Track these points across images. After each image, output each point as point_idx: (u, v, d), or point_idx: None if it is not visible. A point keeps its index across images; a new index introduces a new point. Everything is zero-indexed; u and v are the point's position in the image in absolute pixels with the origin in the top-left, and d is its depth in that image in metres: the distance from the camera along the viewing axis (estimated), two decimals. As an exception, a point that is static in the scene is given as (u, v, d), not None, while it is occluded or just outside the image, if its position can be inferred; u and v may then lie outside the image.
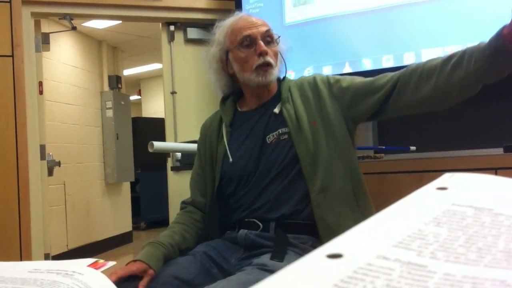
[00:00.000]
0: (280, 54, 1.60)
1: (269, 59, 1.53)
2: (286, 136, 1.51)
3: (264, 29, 1.55)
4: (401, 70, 1.47)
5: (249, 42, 1.54)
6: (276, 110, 1.55)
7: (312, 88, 1.57)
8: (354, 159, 1.56)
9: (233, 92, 1.68)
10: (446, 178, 0.45)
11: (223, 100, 1.70)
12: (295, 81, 1.64)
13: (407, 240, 0.35)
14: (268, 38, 1.56)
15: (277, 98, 1.59)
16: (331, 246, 0.34)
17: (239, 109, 1.66)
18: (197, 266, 1.43)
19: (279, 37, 1.59)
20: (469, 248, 0.33)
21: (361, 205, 1.51)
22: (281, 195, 1.48)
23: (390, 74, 1.49)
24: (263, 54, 1.52)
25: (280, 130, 1.52)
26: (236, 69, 1.58)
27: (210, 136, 1.67)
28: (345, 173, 1.50)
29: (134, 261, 1.38)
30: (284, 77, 1.64)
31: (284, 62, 1.61)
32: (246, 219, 1.51)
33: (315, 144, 1.49)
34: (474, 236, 0.35)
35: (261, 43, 1.53)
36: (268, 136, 1.53)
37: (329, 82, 1.57)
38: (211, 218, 1.61)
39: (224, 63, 1.61)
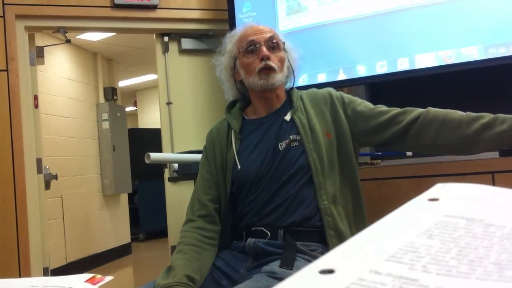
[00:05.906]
0: (289, 62, 1.63)
1: (270, 63, 1.56)
2: (296, 143, 1.53)
3: (268, 35, 1.60)
4: (418, 111, 1.53)
5: (253, 47, 1.58)
6: (287, 117, 1.58)
7: (327, 102, 1.61)
8: (358, 178, 1.60)
9: (243, 99, 1.71)
10: (438, 189, 0.45)
11: (229, 108, 1.71)
12: (307, 92, 1.67)
13: (399, 254, 0.35)
14: (272, 44, 1.59)
15: (288, 106, 1.63)
16: (323, 261, 0.34)
17: (246, 117, 1.67)
18: (206, 278, 1.43)
19: (283, 43, 1.62)
20: (461, 260, 0.33)
21: (358, 223, 1.55)
22: (292, 200, 1.49)
23: (407, 111, 1.54)
24: (264, 58, 1.55)
25: (291, 137, 1.55)
26: (242, 74, 1.62)
27: (220, 143, 1.65)
28: (350, 191, 1.56)
29: None
30: (292, 88, 1.67)
31: (293, 71, 1.64)
32: (253, 228, 1.51)
33: (328, 156, 1.53)
34: (466, 248, 0.35)
35: (264, 48, 1.57)
36: (281, 144, 1.55)
37: (343, 101, 1.62)
38: (224, 225, 1.59)
39: (233, 70, 1.65)
